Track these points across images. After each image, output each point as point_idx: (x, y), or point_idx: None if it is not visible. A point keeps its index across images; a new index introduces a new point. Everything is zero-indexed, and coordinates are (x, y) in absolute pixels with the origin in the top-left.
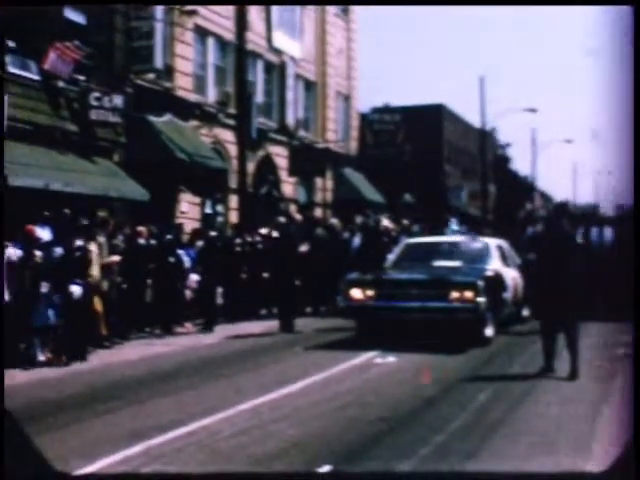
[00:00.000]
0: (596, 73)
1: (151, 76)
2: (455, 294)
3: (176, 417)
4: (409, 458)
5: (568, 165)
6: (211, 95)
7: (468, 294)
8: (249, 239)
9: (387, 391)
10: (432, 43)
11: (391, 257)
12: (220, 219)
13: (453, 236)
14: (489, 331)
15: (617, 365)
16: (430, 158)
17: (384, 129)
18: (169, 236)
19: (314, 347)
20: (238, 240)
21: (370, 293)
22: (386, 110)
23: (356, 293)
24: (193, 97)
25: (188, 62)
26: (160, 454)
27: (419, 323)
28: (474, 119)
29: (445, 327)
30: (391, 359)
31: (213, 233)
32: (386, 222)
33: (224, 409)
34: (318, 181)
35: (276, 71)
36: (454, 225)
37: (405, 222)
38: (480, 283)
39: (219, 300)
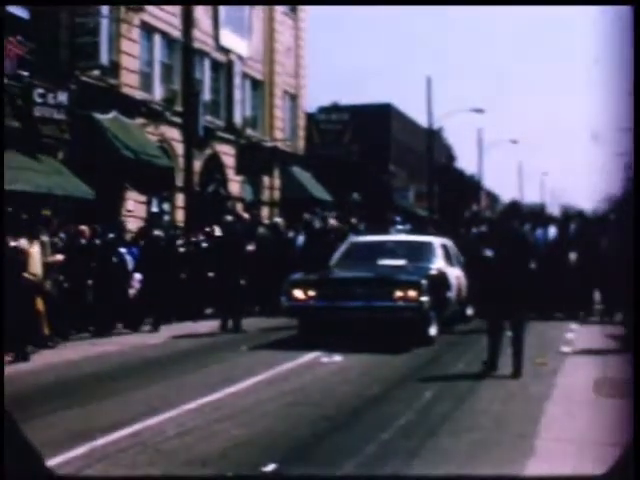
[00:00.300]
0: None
1: (96, 73)
2: (399, 293)
3: (120, 418)
4: (354, 456)
5: (514, 165)
6: (157, 93)
7: (412, 293)
8: (193, 238)
9: (333, 389)
10: (381, 42)
11: (335, 256)
12: (167, 218)
13: (397, 235)
14: (433, 330)
15: (560, 363)
16: (377, 157)
17: (331, 128)
18: (112, 235)
19: (260, 346)
20: (180, 240)
21: (312, 293)
22: (334, 109)
23: (298, 293)
24: (139, 94)
25: (134, 59)
26: (103, 455)
27: (363, 323)
28: (422, 119)
29: (389, 327)
30: (337, 358)
31: (157, 232)
32: (332, 220)
33: (168, 409)
34: (265, 180)
35: (223, 69)
36: (398, 224)
37: (353, 220)
38: (424, 282)
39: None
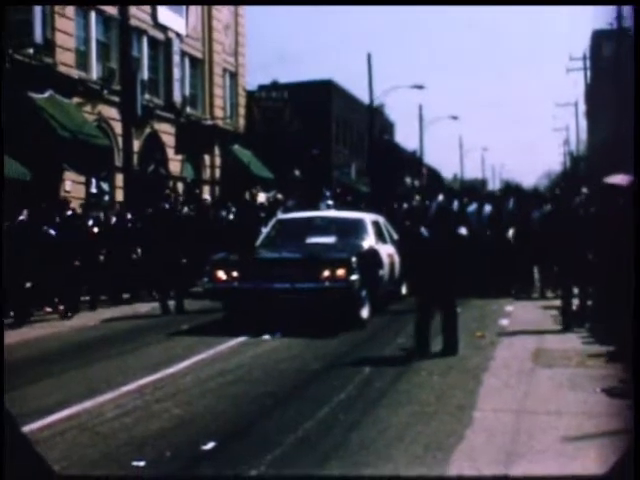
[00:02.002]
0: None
1: (30, 51)
2: (326, 273)
3: (56, 400)
4: (294, 432)
5: (454, 141)
6: (95, 71)
7: (340, 272)
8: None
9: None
10: (324, 19)
11: (262, 235)
12: (106, 198)
13: (327, 212)
14: (365, 312)
15: (498, 336)
16: (318, 135)
17: (271, 106)
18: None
19: (198, 327)
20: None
21: (235, 274)
22: (273, 87)
23: (221, 274)
24: (76, 73)
25: (70, 37)
26: (40, 438)
27: (289, 306)
28: (365, 96)
29: (318, 309)
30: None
31: (69, 213)
32: (262, 197)
33: (107, 391)
34: (206, 158)
35: (161, 47)
36: (328, 200)
37: (279, 196)
38: (353, 260)
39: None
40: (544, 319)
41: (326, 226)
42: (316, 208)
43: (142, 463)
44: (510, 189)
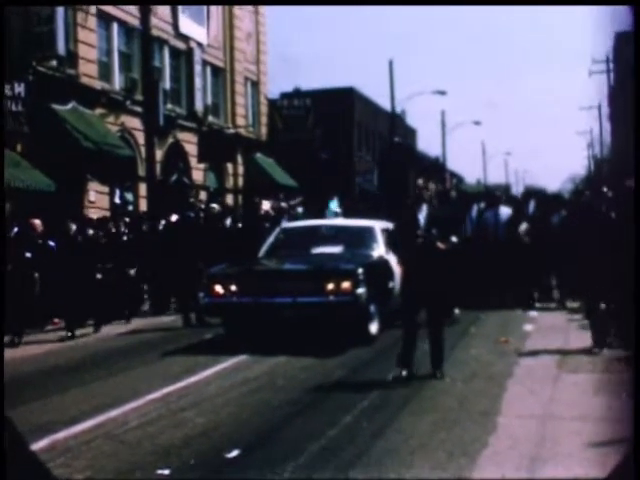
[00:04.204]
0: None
1: (53, 63)
2: (330, 286)
3: (82, 410)
4: (318, 440)
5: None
6: (117, 82)
7: (345, 285)
8: (113, 230)
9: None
10: (344, 25)
11: (264, 245)
12: (130, 208)
13: (334, 219)
14: (373, 327)
15: (522, 341)
16: (341, 142)
17: (293, 114)
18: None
19: (219, 336)
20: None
21: (234, 288)
22: (295, 95)
23: (219, 288)
24: (98, 84)
25: (92, 48)
26: (66, 448)
27: (291, 322)
28: (386, 103)
29: (322, 325)
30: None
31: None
32: (266, 206)
33: (131, 400)
34: (229, 167)
35: (183, 57)
36: (335, 207)
37: (283, 204)
38: (359, 271)
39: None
40: (569, 324)
41: (333, 235)
42: (323, 216)
43: (167, 471)
44: (530, 193)
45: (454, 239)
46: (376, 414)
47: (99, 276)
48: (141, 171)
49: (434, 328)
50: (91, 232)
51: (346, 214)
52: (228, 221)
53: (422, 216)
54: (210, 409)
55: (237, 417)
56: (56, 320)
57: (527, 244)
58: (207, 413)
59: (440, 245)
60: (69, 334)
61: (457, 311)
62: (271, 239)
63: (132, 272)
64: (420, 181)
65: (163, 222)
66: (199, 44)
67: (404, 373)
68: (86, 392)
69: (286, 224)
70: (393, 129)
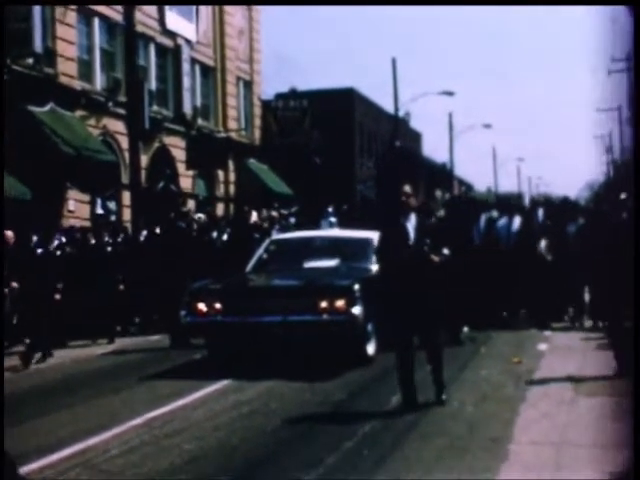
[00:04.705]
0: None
1: (30, 61)
2: (324, 303)
3: (59, 437)
4: (315, 467)
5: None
6: (98, 82)
7: (339, 303)
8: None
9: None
10: (344, 23)
11: (253, 259)
12: (113, 218)
13: (329, 230)
14: (371, 348)
15: (536, 361)
16: (341, 146)
17: (289, 116)
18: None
19: (206, 358)
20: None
21: (218, 306)
22: (291, 96)
23: (201, 306)
24: (78, 84)
25: (71, 45)
26: (41, 479)
27: (282, 342)
28: (388, 104)
29: (315, 346)
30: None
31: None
32: (255, 216)
33: (113, 426)
34: (219, 174)
35: (170, 55)
36: (331, 216)
37: (273, 213)
38: (356, 287)
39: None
40: (586, 343)
41: (327, 247)
42: (317, 226)
43: None
44: (537, 202)
45: (445, 251)
46: (378, 440)
47: (57, 296)
48: (125, 178)
49: (431, 352)
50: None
51: (342, 224)
52: (215, 233)
53: (411, 226)
54: (198, 435)
55: (227, 443)
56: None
57: (550, 261)
58: (195, 439)
59: (434, 258)
60: (39, 355)
61: (466, 329)
62: (259, 252)
63: (121, 287)
64: (407, 187)
65: (145, 233)
66: (187, 41)
67: (405, 399)
68: (63, 418)
69: (276, 235)
70: (396, 132)
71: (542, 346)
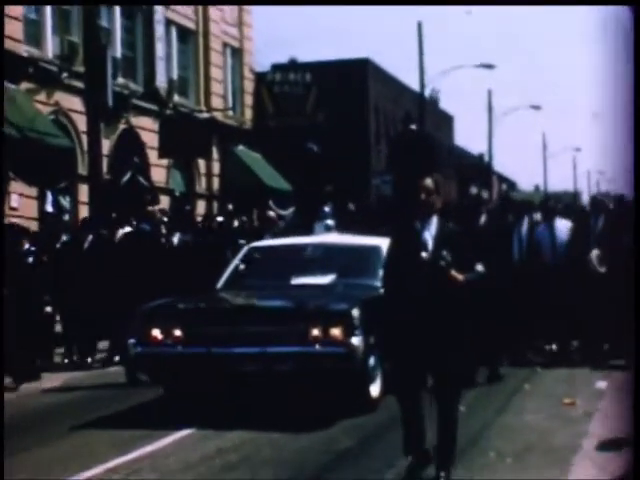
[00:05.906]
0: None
1: None
2: (315, 331)
3: None
4: None
5: (536, 140)
6: (50, 47)
7: (335, 331)
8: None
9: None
10: None
11: (226, 272)
12: (66, 217)
13: (325, 236)
14: (375, 388)
15: (594, 403)
16: (352, 131)
17: (288, 92)
18: None
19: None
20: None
21: (179, 333)
22: (291, 67)
23: (156, 333)
24: (24, 50)
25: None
26: None
27: (260, 381)
28: (412, 80)
29: (303, 386)
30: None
31: None
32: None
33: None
34: (200, 164)
35: (140, 15)
36: (328, 219)
37: (271, 214)
38: (355, 312)
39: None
40: None
41: (321, 258)
42: (310, 230)
43: None
44: (599, 202)
45: (479, 268)
46: None
47: None
48: (82, 168)
49: (443, 403)
50: None
51: (343, 227)
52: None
53: (429, 233)
54: None
55: None
56: None
57: (601, 275)
58: None
59: (456, 276)
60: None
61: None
62: (235, 264)
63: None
64: (429, 182)
65: (90, 238)
66: None
67: (412, 462)
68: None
69: (256, 242)
70: (423, 113)
71: (601, 384)
